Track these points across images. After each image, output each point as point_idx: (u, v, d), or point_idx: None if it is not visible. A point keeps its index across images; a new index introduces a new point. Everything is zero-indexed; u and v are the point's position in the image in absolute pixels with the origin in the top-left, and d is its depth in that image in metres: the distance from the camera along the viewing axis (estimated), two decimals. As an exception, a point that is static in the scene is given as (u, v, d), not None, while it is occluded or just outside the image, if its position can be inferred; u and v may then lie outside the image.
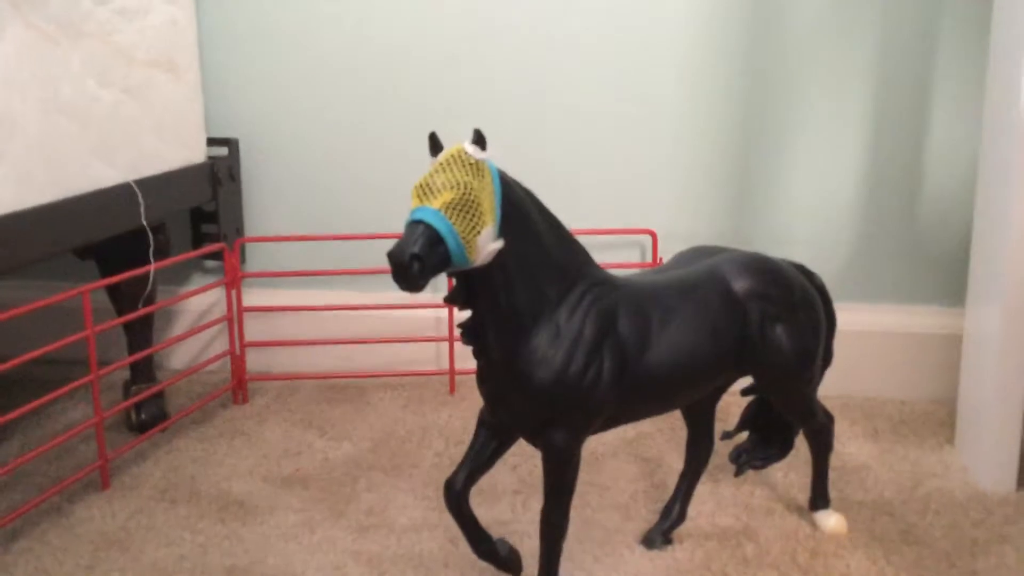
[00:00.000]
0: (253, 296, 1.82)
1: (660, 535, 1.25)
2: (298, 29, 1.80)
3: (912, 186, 1.72)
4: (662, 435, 1.58)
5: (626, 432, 1.57)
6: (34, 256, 1.30)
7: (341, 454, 1.53)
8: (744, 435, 1.29)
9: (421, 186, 0.94)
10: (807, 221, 1.75)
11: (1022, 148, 1.31)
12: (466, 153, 0.95)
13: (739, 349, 1.10)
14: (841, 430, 1.56)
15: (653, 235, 1.75)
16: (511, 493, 1.39)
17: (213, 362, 1.76)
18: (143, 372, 1.63)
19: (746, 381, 1.20)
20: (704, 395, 1.19)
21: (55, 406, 1.69)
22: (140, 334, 1.61)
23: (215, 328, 1.84)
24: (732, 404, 1.33)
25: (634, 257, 1.80)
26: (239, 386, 1.74)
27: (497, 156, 0.97)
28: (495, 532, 1.11)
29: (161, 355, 1.81)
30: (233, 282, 1.70)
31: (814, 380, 1.19)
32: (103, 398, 1.46)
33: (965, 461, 1.48)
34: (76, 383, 1.40)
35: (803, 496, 1.34)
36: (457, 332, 1.08)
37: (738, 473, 1.27)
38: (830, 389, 1.35)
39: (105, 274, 1.54)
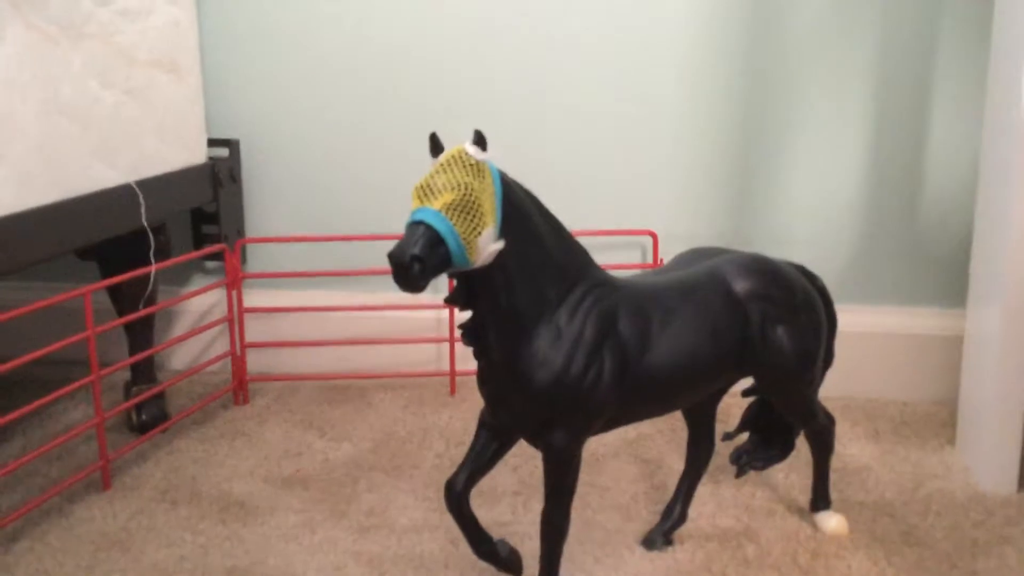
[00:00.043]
0: (254, 297, 1.82)
1: (661, 536, 1.25)
2: (298, 29, 1.80)
3: (912, 186, 1.72)
4: (663, 436, 1.58)
5: (627, 433, 1.57)
6: (35, 257, 1.30)
7: (342, 455, 1.53)
8: (745, 436, 1.29)
9: (422, 187, 0.94)
10: (807, 221, 1.75)
11: (1022, 148, 1.31)
12: (467, 154, 0.95)
13: (740, 350, 1.10)
14: (842, 431, 1.56)
15: (654, 236, 1.75)
16: (512, 494, 1.39)
17: (214, 363, 1.76)
18: (144, 373, 1.63)
19: (747, 382, 1.20)
20: (705, 396, 1.19)
21: (56, 407, 1.69)
22: (141, 335, 1.61)
23: (216, 329, 1.84)
24: (733, 405, 1.33)
25: (635, 258, 1.80)
26: (240, 387, 1.74)
27: (497, 156, 0.97)
28: (496, 533, 1.11)
29: (162, 356, 1.81)
30: (234, 283, 1.71)
31: (815, 381, 1.19)
32: (104, 399, 1.46)
33: (966, 462, 1.48)
34: (77, 384, 1.40)
35: (804, 497, 1.34)
36: (458, 333, 1.08)
37: (739, 474, 1.27)
38: (831, 390, 1.35)
39: (106, 275, 1.54)
